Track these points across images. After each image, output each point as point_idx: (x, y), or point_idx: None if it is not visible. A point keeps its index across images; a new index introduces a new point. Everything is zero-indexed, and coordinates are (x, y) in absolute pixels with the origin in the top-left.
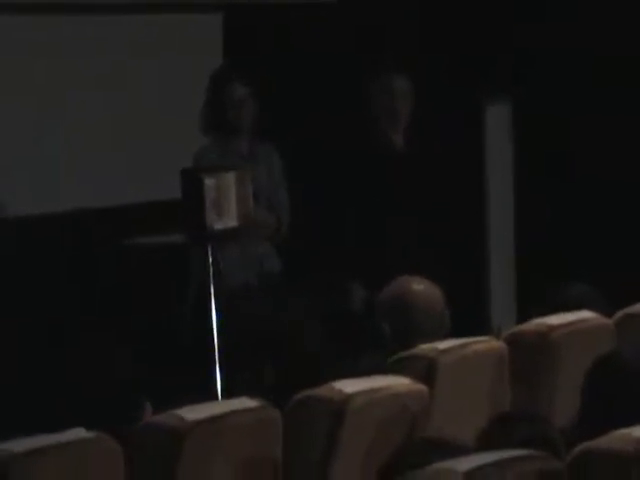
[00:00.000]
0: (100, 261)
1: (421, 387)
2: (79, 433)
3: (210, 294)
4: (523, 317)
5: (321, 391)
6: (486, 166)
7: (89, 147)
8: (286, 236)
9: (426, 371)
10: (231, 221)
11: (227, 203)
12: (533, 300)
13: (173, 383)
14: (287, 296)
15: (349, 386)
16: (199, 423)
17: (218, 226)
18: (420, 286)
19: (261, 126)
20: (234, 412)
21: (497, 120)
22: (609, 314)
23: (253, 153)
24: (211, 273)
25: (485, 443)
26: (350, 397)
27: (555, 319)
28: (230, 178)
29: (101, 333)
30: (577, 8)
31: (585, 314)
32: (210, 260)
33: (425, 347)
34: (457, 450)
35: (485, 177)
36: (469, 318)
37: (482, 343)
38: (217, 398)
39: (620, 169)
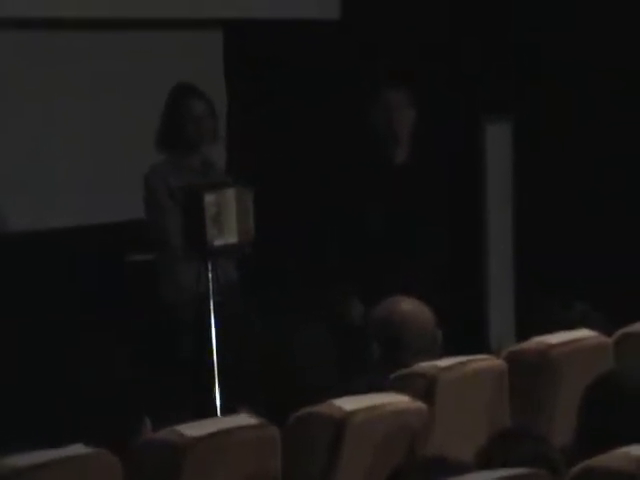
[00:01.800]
0: (99, 276)
1: (421, 405)
2: (79, 449)
3: (210, 310)
4: (523, 335)
5: (321, 408)
6: (486, 181)
7: (89, 164)
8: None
9: (426, 389)
10: (231, 237)
11: (227, 219)
12: (533, 318)
13: (172, 399)
14: (280, 311)
15: (349, 403)
16: (199, 439)
17: (218, 242)
18: (409, 306)
19: (258, 142)
20: (234, 429)
21: (497, 134)
22: (608, 333)
23: (205, 170)
24: (211, 289)
25: (485, 461)
26: (350, 414)
27: (555, 338)
28: (230, 194)
29: (103, 344)
30: (577, 19)
31: (584, 333)
32: (210, 276)
33: (425, 365)
34: (457, 468)
35: (485, 192)
36: (468, 336)
37: (482, 361)
38: (216, 414)
39: (623, 184)
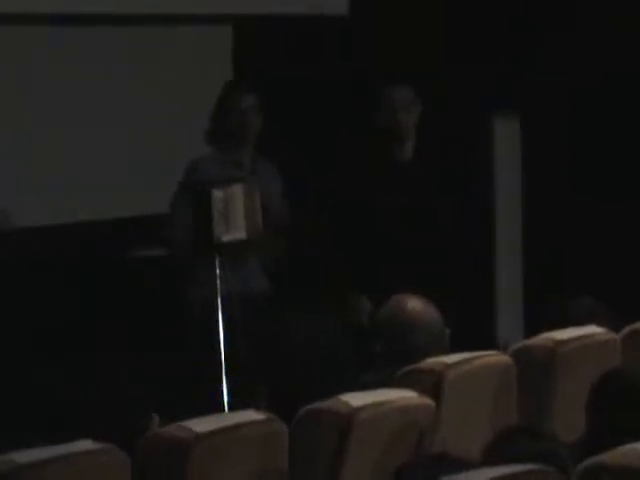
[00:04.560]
0: (106, 272)
1: (428, 401)
2: (87, 444)
3: (217, 306)
4: (530, 332)
5: (328, 404)
6: (494, 180)
7: (93, 159)
8: (285, 247)
9: (433, 385)
10: (239, 233)
11: (235, 215)
12: (540, 315)
13: (180, 395)
14: (289, 309)
15: (356, 399)
16: (206, 435)
17: (226, 238)
18: (416, 304)
19: (265, 138)
20: (241, 425)
21: (505, 130)
22: (616, 329)
23: (253, 166)
24: (218, 285)
25: (491, 458)
26: (357, 410)
27: (562, 334)
28: (238, 190)
29: (109, 345)
30: (579, 20)
31: (592, 329)
32: (217, 272)
33: (432, 361)
34: (463, 464)
35: (493, 191)
36: (476, 332)
37: (489, 357)
38: (223, 410)
39: (632, 180)
